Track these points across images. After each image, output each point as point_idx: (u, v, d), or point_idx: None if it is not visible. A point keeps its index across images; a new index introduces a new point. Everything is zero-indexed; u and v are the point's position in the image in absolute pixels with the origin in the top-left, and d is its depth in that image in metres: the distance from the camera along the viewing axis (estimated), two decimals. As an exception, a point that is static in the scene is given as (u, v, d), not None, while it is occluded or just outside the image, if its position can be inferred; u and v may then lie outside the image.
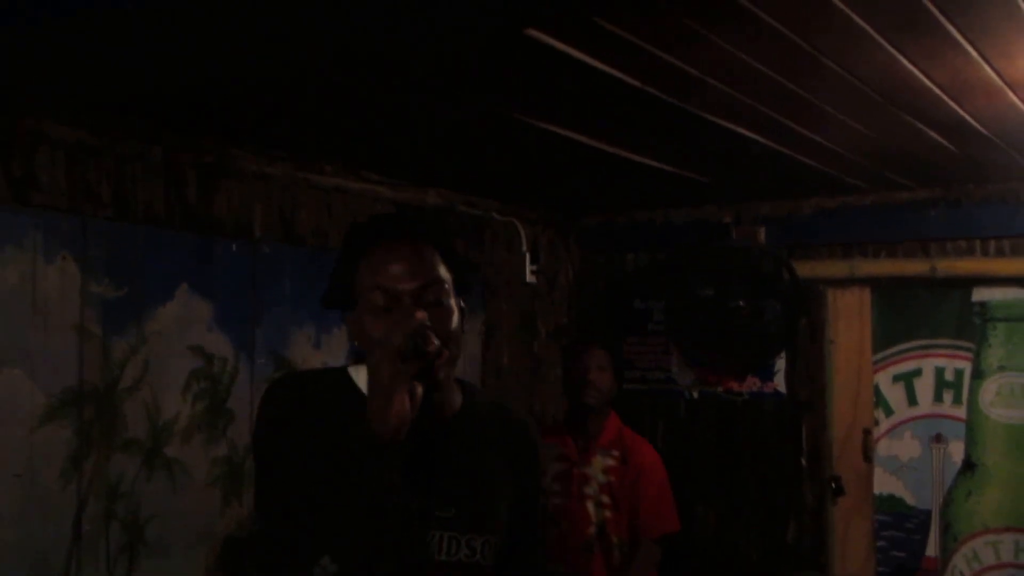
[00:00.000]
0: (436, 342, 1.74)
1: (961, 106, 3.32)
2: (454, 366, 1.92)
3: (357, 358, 2.06)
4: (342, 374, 2.00)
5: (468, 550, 1.93)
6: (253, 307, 3.87)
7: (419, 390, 1.73)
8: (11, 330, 3.12)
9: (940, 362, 4.92)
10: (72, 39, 2.53)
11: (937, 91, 3.13)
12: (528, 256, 5.18)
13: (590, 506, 4.16)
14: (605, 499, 4.14)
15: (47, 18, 2.33)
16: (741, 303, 4.98)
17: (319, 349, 4.11)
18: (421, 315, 1.75)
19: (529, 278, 5.20)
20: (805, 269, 5.00)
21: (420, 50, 2.70)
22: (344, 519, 1.74)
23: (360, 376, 1.95)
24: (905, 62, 2.84)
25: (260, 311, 3.90)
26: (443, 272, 1.90)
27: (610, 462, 4.17)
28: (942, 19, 2.51)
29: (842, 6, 2.40)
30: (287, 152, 3.96)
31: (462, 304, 1.95)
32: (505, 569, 2.04)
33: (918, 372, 4.98)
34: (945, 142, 3.81)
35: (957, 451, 4.83)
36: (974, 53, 2.78)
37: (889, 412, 5.03)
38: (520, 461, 2.10)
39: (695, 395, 5.36)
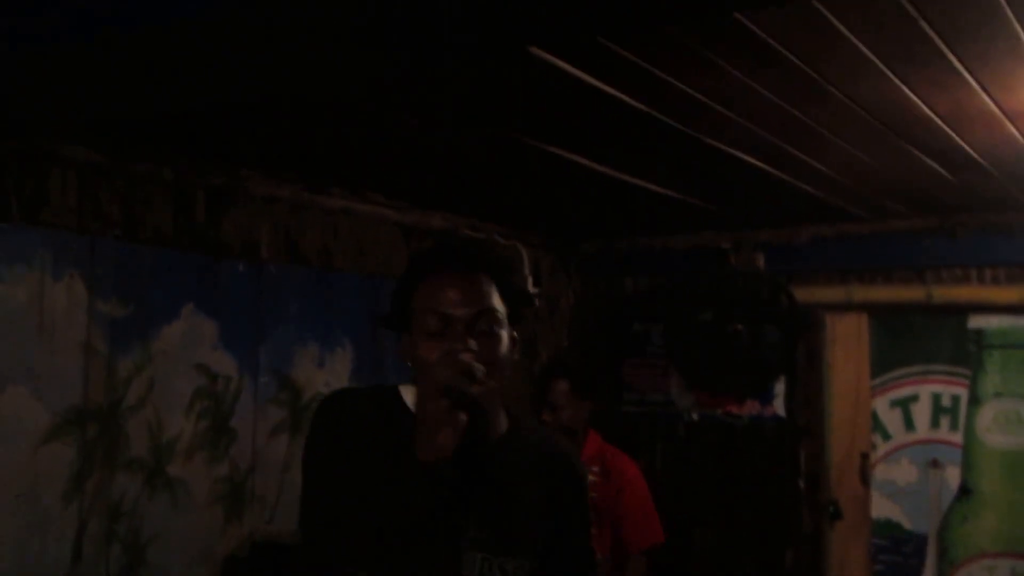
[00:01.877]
0: (481, 380, 1.75)
1: (960, 136, 3.28)
2: (500, 394, 1.90)
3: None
4: (393, 393, 1.99)
5: (500, 572, 1.90)
6: (258, 327, 3.81)
7: (463, 419, 1.73)
8: (17, 348, 3.05)
9: (937, 388, 4.87)
10: (85, 62, 2.47)
11: (938, 121, 3.09)
12: (530, 279, 5.08)
13: None
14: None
15: (61, 41, 2.29)
16: (740, 328, 4.93)
17: (323, 368, 4.05)
18: (468, 357, 1.75)
19: (530, 301, 5.10)
20: (803, 295, 4.96)
21: (425, 72, 2.65)
22: (381, 536, 1.74)
23: (409, 395, 1.95)
24: (908, 91, 2.81)
25: (265, 331, 3.84)
26: (497, 302, 1.88)
27: (591, 478, 4.08)
28: (945, 49, 2.48)
29: (849, 35, 2.38)
30: (295, 174, 3.91)
31: (515, 334, 1.93)
32: None
33: (915, 397, 4.92)
34: (943, 171, 3.77)
35: (954, 476, 4.79)
36: (975, 84, 2.75)
37: (887, 437, 4.97)
38: (562, 493, 2.04)
39: (694, 418, 5.28)
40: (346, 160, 3.73)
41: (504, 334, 1.87)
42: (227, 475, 3.66)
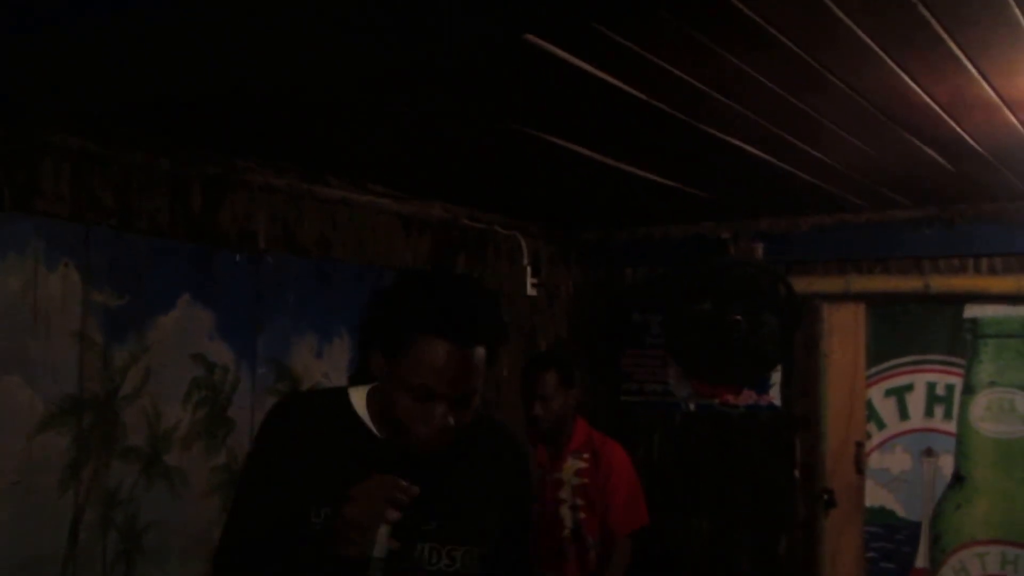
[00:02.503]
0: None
1: (959, 124, 3.23)
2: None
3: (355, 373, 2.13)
4: (340, 397, 2.05)
5: (448, 560, 1.96)
6: (255, 317, 3.75)
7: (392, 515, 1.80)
8: (11, 337, 2.98)
9: (932, 377, 4.85)
10: (79, 48, 2.43)
11: (936, 109, 3.04)
12: (529, 269, 5.11)
13: (564, 511, 4.06)
14: (579, 501, 4.05)
15: (54, 27, 2.24)
16: (738, 317, 4.89)
17: (321, 359, 3.99)
18: (394, 515, 1.79)
19: (530, 291, 5.13)
20: (801, 284, 4.92)
21: (421, 59, 2.60)
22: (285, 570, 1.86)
23: (357, 399, 2.02)
24: (906, 78, 2.75)
25: (262, 321, 3.77)
26: (482, 375, 1.92)
27: (581, 464, 4.08)
28: (944, 36, 2.42)
29: (848, 21, 2.32)
30: (292, 164, 3.84)
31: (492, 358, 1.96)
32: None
33: (910, 387, 4.90)
34: (942, 160, 3.72)
35: (947, 465, 4.78)
36: (974, 70, 2.69)
37: (881, 426, 4.94)
38: (507, 472, 2.11)
39: (692, 407, 5.25)
40: (344, 150, 3.67)
41: (478, 396, 1.92)
42: (225, 464, 3.60)
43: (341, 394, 2.05)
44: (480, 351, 1.89)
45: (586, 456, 4.08)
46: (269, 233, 3.81)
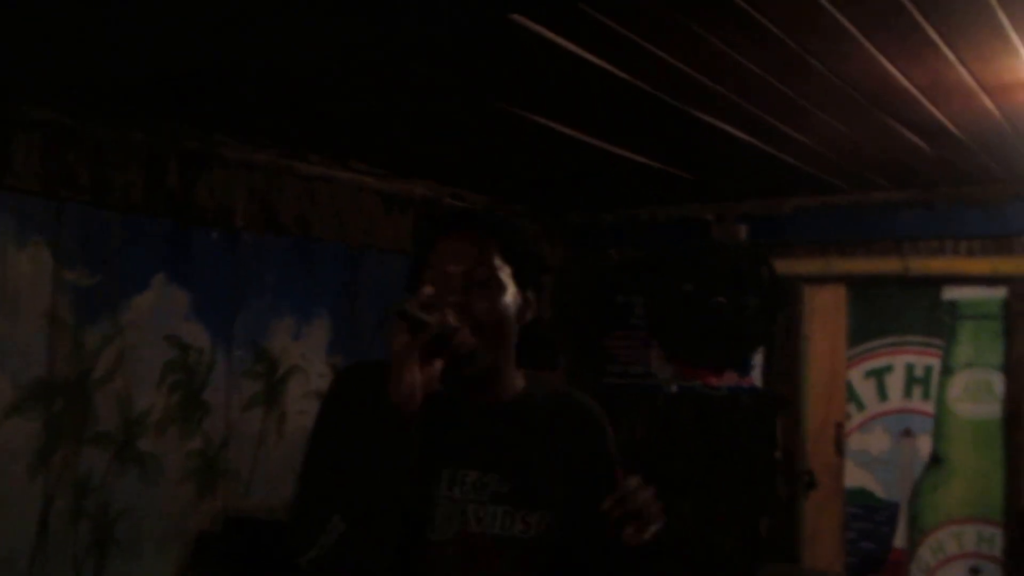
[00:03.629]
0: (447, 317, 1.69)
1: (938, 108, 3.20)
2: (503, 347, 1.85)
3: None
4: None
5: (523, 525, 1.82)
6: (232, 297, 3.61)
7: (437, 364, 1.68)
8: (-22, 318, 2.83)
9: (910, 358, 4.80)
10: (50, 21, 2.33)
11: (915, 92, 3.02)
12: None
13: None
14: None
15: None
16: (721, 299, 4.82)
17: (299, 340, 3.86)
18: (429, 288, 1.70)
19: (513, 272, 4.95)
20: (783, 266, 4.85)
21: (406, 36, 2.52)
22: (353, 479, 1.67)
23: None
24: (886, 63, 2.73)
25: (240, 301, 3.65)
26: (498, 260, 1.82)
27: None
28: (921, 20, 2.41)
29: (829, 7, 2.31)
30: (271, 140, 3.70)
31: (529, 296, 1.89)
32: (578, 545, 1.90)
33: (889, 368, 4.84)
34: (921, 144, 3.69)
35: (925, 445, 4.75)
36: (951, 56, 2.67)
37: (861, 407, 4.89)
38: (587, 440, 1.96)
39: (674, 389, 5.15)
40: (324, 126, 3.54)
41: (503, 290, 1.81)
42: (200, 449, 3.46)
43: None
44: (485, 237, 1.83)
45: None
46: (247, 211, 3.66)
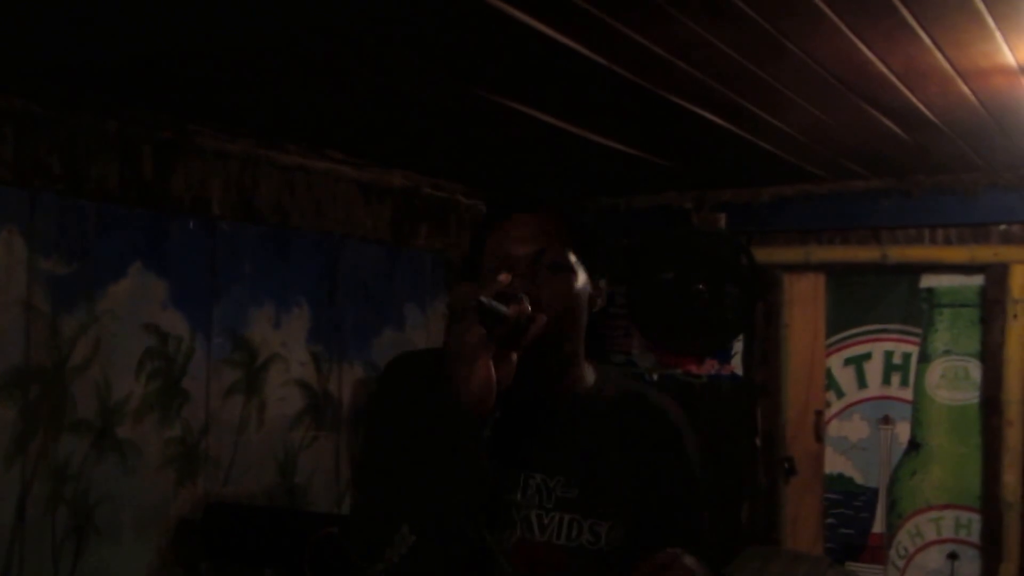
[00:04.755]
0: (526, 305, 1.54)
1: (914, 94, 3.16)
2: (575, 337, 1.71)
3: None
4: None
5: (591, 536, 1.67)
6: (211, 286, 3.58)
7: (513, 357, 1.53)
8: (-47, 307, 2.80)
9: (889, 346, 4.80)
10: (17, 5, 2.27)
11: (892, 78, 2.97)
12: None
13: None
14: None
15: None
16: (701, 287, 4.80)
17: (279, 329, 3.83)
18: (505, 277, 1.56)
19: (493, 261, 4.93)
20: (763, 255, 4.84)
21: (381, 20, 2.46)
22: (422, 488, 1.53)
23: None
24: (862, 47, 2.69)
25: (218, 290, 3.61)
26: (565, 242, 1.69)
27: None
28: (897, 3, 2.36)
29: None
30: (247, 129, 3.66)
31: (601, 284, 1.75)
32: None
33: (868, 356, 4.84)
34: (898, 131, 3.65)
35: (904, 432, 4.75)
36: (927, 40, 2.63)
37: (840, 394, 4.89)
38: (658, 448, 1.77)
39: (655, 377, 5.14)
40: (302, 115, 3.49)
41: (573, 276, 1.68)
42: (180, 437, 3.43)
43: None
44: (551, 218, 1.70)
45: None
46: (224, 200, 3.61)
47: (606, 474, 1.70)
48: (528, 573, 1.64)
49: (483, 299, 1.47)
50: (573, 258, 1.68)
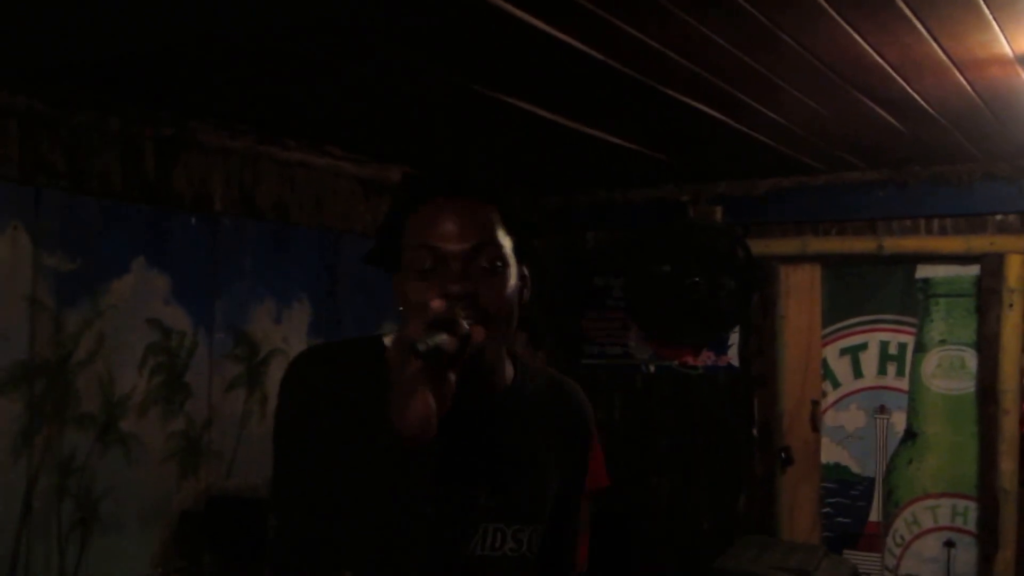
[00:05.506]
0: (463, 327, 1.39)
1: (910, 85, 3.17)
2: (506, 340, 1.59)
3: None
4: (375, 345, 1.60)
5: (515, 543, 1.60)
6: (212, 281, 3.61)
7: (451, 379, 1.40)
8: (-41, 302, 2.83)
9: (885, 336, 4.81)
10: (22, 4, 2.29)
11: (888, 69, 2.98)
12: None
13: None
14: None
15: None
16: (697, 280, 4.81)
17: (280, 324, 3.86)
18: (439, 304, 1.39)
19: (491, 255, 4.94)
20: (759, 247, 4.84)
21: (380, 17, 2.48)
22: (365, 532, 1.42)
23: None
24: (859, 39, 2.70)
25: (220, 285, 3.64)
26: (501, 234, 1.54)
27: None
28: None
29: None
30: (248, 126, 3.69)
31: (524, 272, 1.61)
32: (545, 556, 1.71)
33: (864, 346, 4.86)
34: (894, 122, 3.66)
35: (900, 421, 4.77)
36: (923, 31, 2.64)
37: (836, 384, 4.91)
38: (570, 438, 1.73)
39: (652, 369, 5.17)
40: (302, 111, 3.52)
41: (509, 271, 1.54)
42: (182, 430, 3.46)
43: (374, 341, 1.61)
44: (485, 206, 1.54)
45: None
46: (225, 196, 3.65)
47: (526, 478, 1.63)
48: None
49: (419, 346, 1.34)
50: (508, 252, 1.55)
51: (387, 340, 1.56)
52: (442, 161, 1.53)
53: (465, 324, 1.40)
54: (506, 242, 1.55)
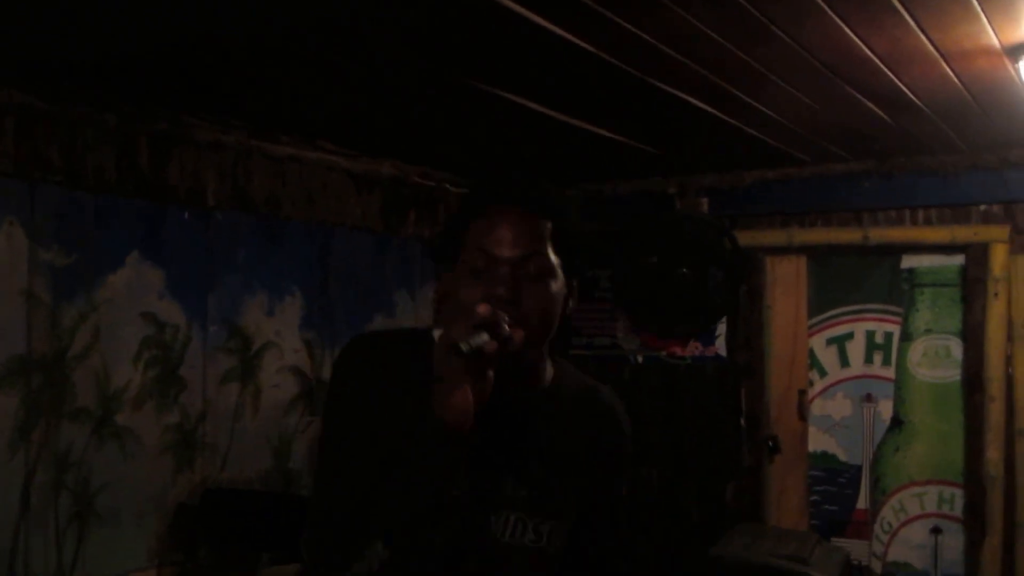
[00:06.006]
0: (505, 329, 1.51)
1: (898, 77, 3.18)
2: (544, 343, 1.70)
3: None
4: (423, 337, 1.70)
5: (534, 535, 1.69)
6: (206, 275, 3.62)
7: (490, 376, 1.51)
8: (-46, 297, 2.84)
9: (871, 326, 4.85)
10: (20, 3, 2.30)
11: (876, 61, 3.00)
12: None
13: None
14: None
15: None
16: (685, 271, 4.84)
17: (272, 317, 3.88)
18: (484, 309, 1.50)
19: (480, 248, 4.96)
20: (745, 238, 4.87)
21: (370, 11, 2.49)
22: (401, 509, 1.53)
23: None
24: (848, 31, 2.71)
25: (213, 279, 3.65)
26: (549, 247, 1.65)
27: None
28: None
29: None
30: (241, 121, 3.70)
31: (573, 283, 1.71)
32: (577, 558, 1.79)
33: (850, 335, 4.89)
34: (881, 113, 3.68)
35: (886, 409, 4.80)
36: (912, 23, 2.65)
37: (823, 373, 4.94)
38: (605, 446, 1.81)
39: (640, 359, 5.20)
40: (294, 106, 3.53)
41: (554, 282, 1.64)
42: (177, 423, 3.48)
43: (424, 334, 1.71)
44: (540, 220, 1.64)
45: None
46: (218, 190, 3.67)
47: (555, 474, 1.71)
48: (474, 570, 1.64)
49: (462, 346, 1.46)
50: (555, 262, 1.65)
51: (436, 334, 1.63)
52: (508, 173, 1.60)
53: (506, 327, 1.51)
54: (554, 255, 1.65)
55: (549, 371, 1.77)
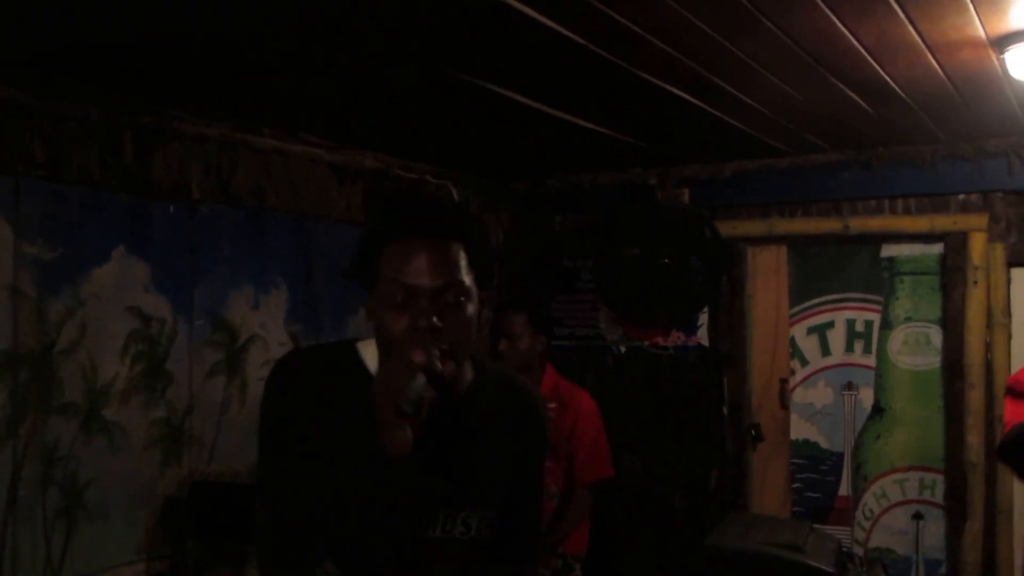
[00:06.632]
0: (438, 365, 1.63)
1: (883, 68, 3.20)
2: (465, 360, 1.80)
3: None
4: (348, 351, 1.83)
5: (464, 527, 1.81)
6: (191, 268, 3.62)
7: (425, 411, 1.63)
8: (-61, 292, 2.83)
9: (851, 314, 4.89)
10: None
11: (863, 52, 3.01)
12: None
13: None
14: None
15: None
16: (666, 261, 4.88)
17: (257, 310, 3.88)
18: (420, 357, 1.61)
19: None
20: (726, 228, 4.93)
21: (350, 4, 2.49)
22: (346, 530, 1.67)
23: (367, 352, 1.81)
24: (835, 20, 2.72)
25: (199, 272, 3.64)
26: (465, 271, 1.73)
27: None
28: None
29: None
30: (225, 114, 3.69)
31: (483, 297, 1.79)
32: (501, 544, 1.89)
33: (831, 324, 4.93)
34: (863, 104, 3.70)
35: (867, 397, 4.85)
36: (901, 13, 2.66)
37: (804, 362, 4.98)
38: (524, 436, 1.93)
39: (622, 350, 5.24)
40: (277, 99, 3.53)
41: (471, 304, 1.73)
42: (164, 417, 3.48)
43: (348, 348, 1.83)
44: (454, 245, 1.72)
45: (552, 405, 3.99)
46: (203, 183, 3.66)
47: (478, 470, 1.82)
48: (410, 564, 1.76)
49: (406, 408, 1.58)
50: (470, 282, 1.73)
51: (360, 346, 1.81)
52: (415, 199, 1.71)
53: (439, 364, 1.62)
54: (469, 277, 1.73)
55: (468, 373, 1.85)
